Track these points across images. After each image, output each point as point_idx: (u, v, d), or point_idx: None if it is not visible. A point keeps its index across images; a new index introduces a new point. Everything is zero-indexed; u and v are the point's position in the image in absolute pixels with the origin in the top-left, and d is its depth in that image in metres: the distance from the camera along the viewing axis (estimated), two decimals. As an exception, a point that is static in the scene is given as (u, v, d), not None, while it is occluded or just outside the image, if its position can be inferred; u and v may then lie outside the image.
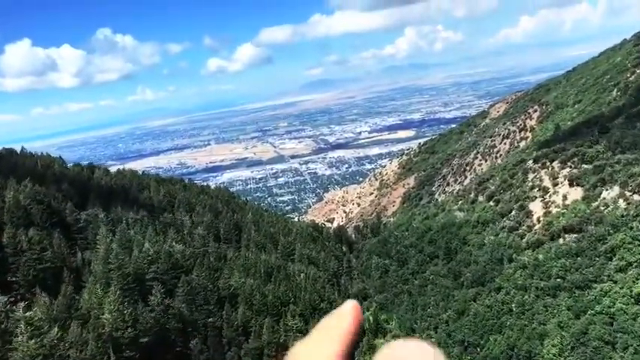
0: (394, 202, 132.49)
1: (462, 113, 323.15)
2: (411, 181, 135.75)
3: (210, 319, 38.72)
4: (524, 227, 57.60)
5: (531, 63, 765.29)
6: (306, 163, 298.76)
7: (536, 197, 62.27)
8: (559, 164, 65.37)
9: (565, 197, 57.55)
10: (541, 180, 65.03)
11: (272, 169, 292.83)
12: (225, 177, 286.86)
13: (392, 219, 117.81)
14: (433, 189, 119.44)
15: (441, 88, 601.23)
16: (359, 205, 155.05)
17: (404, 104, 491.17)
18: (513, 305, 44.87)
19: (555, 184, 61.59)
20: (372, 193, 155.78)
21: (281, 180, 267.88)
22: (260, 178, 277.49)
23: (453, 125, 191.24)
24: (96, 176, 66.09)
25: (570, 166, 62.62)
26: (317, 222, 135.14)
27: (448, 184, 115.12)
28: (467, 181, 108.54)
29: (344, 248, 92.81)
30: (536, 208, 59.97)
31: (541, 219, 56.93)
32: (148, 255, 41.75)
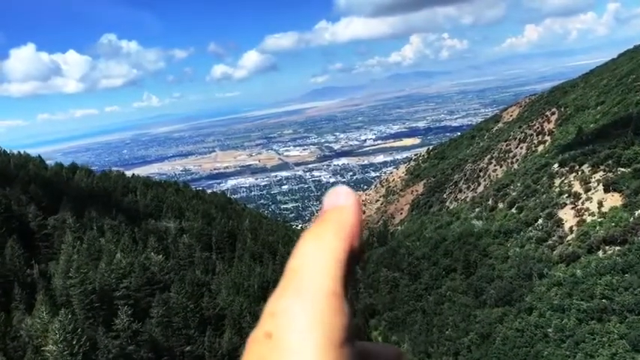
0: (402, 209, 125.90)
1: (468, 121, 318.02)
2: (419, 187, 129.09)
3: (190, 347, 32.18)
4: (554, 238, 50.79)
5: (537, 72, 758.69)
6: (311, 170, 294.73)
7: (565, 204, 55.50)
8: (590, 168, 58.65)
9: (601, 204, 50.78)
10: (570, 185, 58.29)
11: (276, 177, 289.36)
12: (230, 184, 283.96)
13: (400, 227, 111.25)
14: (444, 196, 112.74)
15: (446, 96, 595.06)
16: (364, 212, 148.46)
17: (409, 112, 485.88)
18: (550, 330, 38.06)
19: (587, 190, 54.83)
20: (378, 200, 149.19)
21: (285, 187, 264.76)
22: (264, 186, 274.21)
23: (459, 133, 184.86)
24: (76, 178, 59.96)
25: (604, 170, 55.88)
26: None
27: (460, 191, 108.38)
28: (481, 188, 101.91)
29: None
30: (567, 216, 53.18)
31: (574, 229, 50.12)
32: (119, 267, 35.32)
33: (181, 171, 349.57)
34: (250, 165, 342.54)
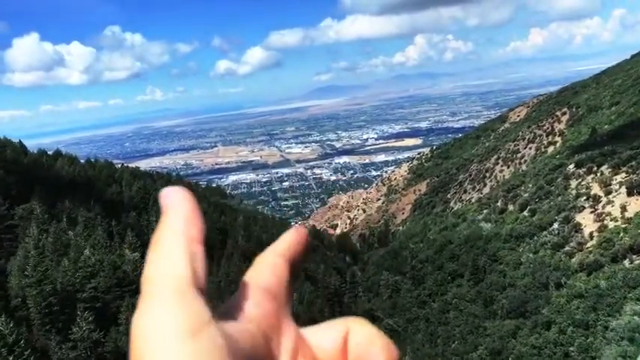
0: (404, 209, 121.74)
1: (470, 123, 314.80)
2: (422, 187, 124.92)
3: None
4: (572, 244, 46.52)
5: (540, 76, 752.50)
6: (312, 168, 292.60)
7: (584, 207, 51.22)
8: (610, 169, 54.36)
9: (624, 208, 46.50)
10: (588, 187, 54.01)
11: (277, 173, 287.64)
12: (231, 179, 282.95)
13: (401, 227, 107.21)
14: (448, 196, 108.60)
15: (449, 97, 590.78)
16: (364, 211, 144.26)
17: (412, 112, 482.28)
18: (572, 349, 33.81)
19: (608, 193, 50.53)
20: (379, 199, 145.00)
21: (286, 184, 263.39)
22: (265, 182, 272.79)
23: (460, 135, 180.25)
24: (57, 165, 55.79)
25: (627, 172, 51.62)
26: (318, 227, 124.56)
27: (465, 192, 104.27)
28: (487, 189, 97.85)
29: (347, 259, 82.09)
30: (587, 220, 48.89)
31: (595, 235, 45.86)
32: (87, 265, 31.12)
33: (182, 165, 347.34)
34: (252, 161, 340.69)
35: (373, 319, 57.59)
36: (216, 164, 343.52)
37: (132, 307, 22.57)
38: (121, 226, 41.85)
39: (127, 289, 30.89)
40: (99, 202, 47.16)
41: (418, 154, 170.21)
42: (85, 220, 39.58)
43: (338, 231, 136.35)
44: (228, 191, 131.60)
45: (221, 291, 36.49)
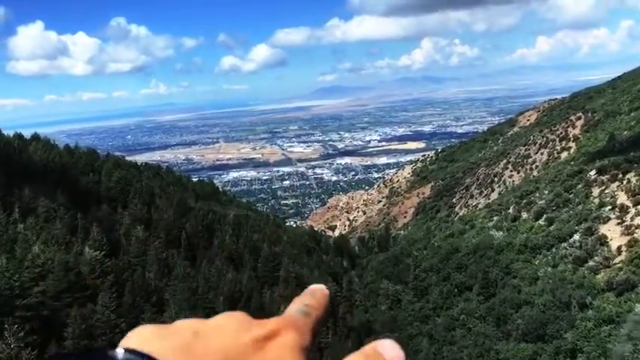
0: (406, 212, 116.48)
1: (474, 128, 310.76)
2: (426, 190, 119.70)
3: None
4: (597, 259, 41.39)
5: (546, 84, 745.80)
6: (313, 167, 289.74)
7: (609, 218, 46.07)
8: (638, 177, 49.28)
9: (657, 221, 41.47)
10: (614, 196, 48.89)
11: (278, 172, 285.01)
12: (231, 176, 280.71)
13: (402, 232, 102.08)
14: (453, 201, 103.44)
15: (453, 102, 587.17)
16: (365, 213, 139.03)
17: (415, 116, 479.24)
18: (605, 385, 28.93)
19: (637, 202, 45.43)
20: (380, 201, 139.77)
21: (286, 183, 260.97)
22: (265, 180, 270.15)
23: (464, 140, 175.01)
24: (31, 150, 50.84)
25: (658, 180, 46.58)
26: (316, 228, 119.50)
27: (472, 197, 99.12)
28: (494, 194, 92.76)
29: (345, 263, 76.98)
30: (613, 233, 43.76)
31: (623, 249, 40.75)
32: (34, 265, 26.10)
33: (183, 160, 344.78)
34: (253, 158, 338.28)
35: (370, 331, 52.51)
36: (218, 160, 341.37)
37: (80, 319, 16.48)
38: (87, 219, 36.83)
39: (78, 294, 25.85)
40: (69, 191, 42.15)
41: (423, 155, 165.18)
42: (45, 211, 34.60)
43: (336, 232, 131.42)
44: (221, 187, 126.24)
45: (197, 298, 31.45)
